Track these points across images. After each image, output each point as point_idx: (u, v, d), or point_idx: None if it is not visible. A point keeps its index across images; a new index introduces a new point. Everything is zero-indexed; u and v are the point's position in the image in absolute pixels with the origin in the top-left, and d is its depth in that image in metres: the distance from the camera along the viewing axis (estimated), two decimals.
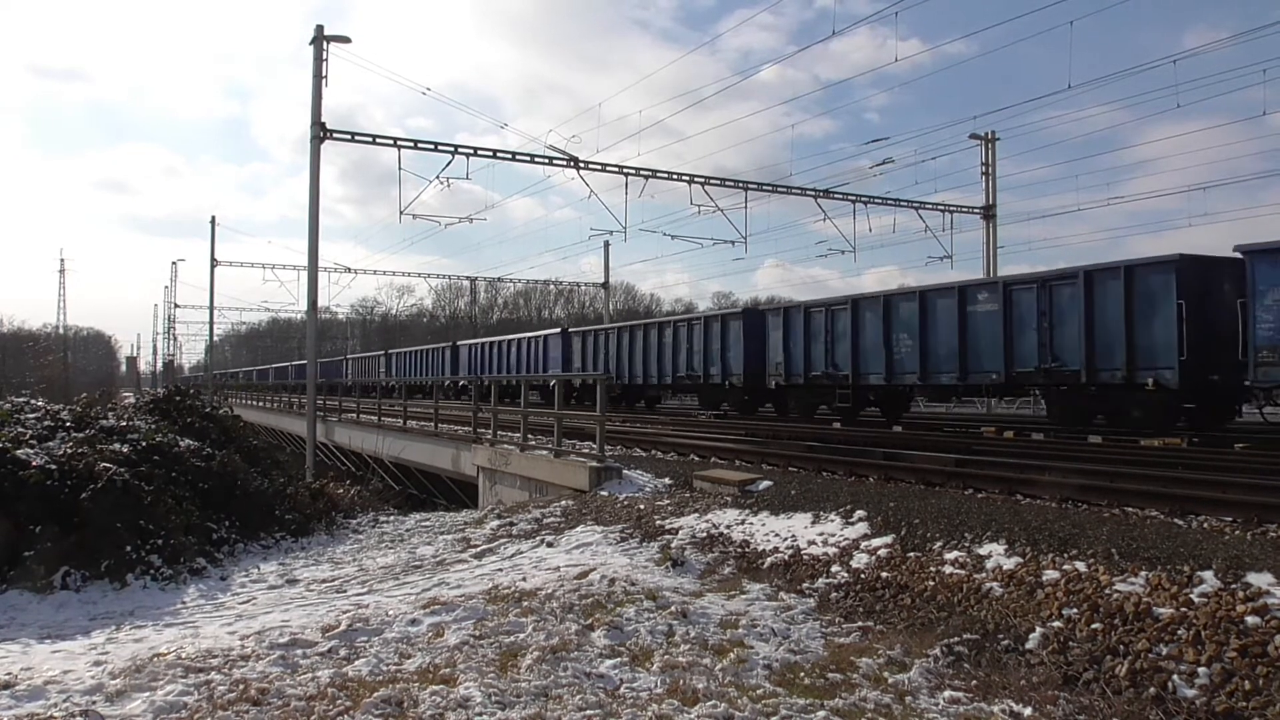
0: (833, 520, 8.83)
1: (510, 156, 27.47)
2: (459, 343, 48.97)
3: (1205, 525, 7.56)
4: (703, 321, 27.30)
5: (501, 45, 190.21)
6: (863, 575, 7.34)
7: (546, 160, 27.46)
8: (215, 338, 73.01)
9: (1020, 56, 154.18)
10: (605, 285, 56.19)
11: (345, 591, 8.74)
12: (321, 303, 28.78)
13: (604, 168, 28.04)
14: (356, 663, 5.64)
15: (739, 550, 8.58)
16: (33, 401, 14.96)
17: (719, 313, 26.50)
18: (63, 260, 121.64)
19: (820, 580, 7.44)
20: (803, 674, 5.35)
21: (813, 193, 31.35)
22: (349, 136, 25.00)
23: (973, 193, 35.84)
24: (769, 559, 8.19)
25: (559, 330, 37.33)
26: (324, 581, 9.51)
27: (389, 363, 57.81)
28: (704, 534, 9.19)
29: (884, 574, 7.25)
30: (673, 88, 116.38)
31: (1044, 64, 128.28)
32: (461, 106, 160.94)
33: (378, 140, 25.79)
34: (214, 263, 52.32)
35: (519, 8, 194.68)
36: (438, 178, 26.42)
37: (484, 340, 45.57)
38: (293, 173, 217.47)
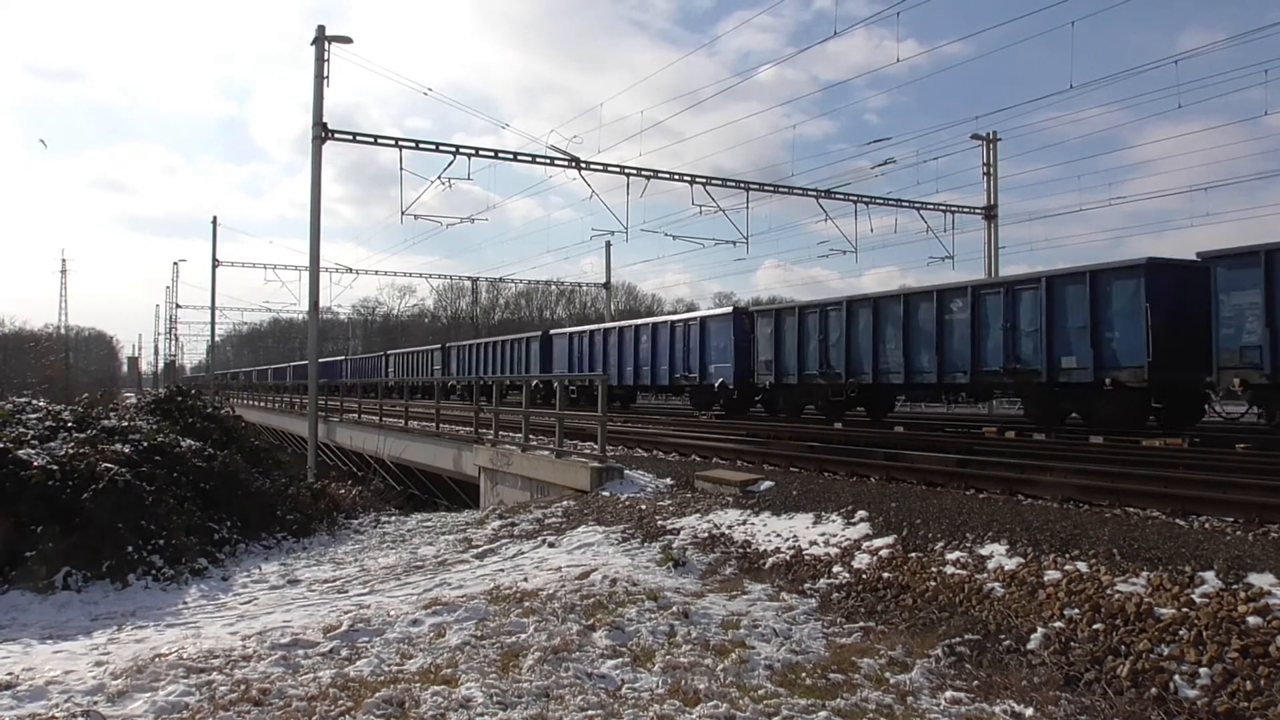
0: (834, 520, 8.83)
1: (512, 157, 27.47)
2: (553, 332, 38.57)
3: (1207, 526, 7.56)
4: (1086, 280, 16.79)
5: (499, 45, 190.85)
6: (864, 575, 7.34)
7: (548, 161, 27.45)
8: (217, 338, 72.93)
9: (1019, 58, 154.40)
10: (607, 285, 56.28)
11: (347, 592, 8.74)
12: (323, 303, 28.78)
13: (605, 168, 28.04)
14: (358, 663, 5.64)
15: (741, 551, 8.58)
16: (34, 402, 14.98)
17: (1129, 264, 16.32)
18: (64, 260, 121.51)
19: (822, 580, 7.44)
20: (804, 674, 5.35)
21: (814, 193, 31.33)
22: (351, 137, 25.00)
23: (972, 194, 35.94)
24: (770, 559, 8.19)
25: (728, 311, 27.33)
26: (325, 582, 9.52)
27: (446, 359, 48.56)
28: (705, 534, 9.19)
29: (885, 574, 7.25)
30: (671, 89, 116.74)
31: (1042, 65, 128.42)
32: (462, 106, 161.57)
33: (379, 140, 25.80)
34: (215, 263, 52.49)
35: (517, 8, 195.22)
36: (439, 178, 26.45)
37: (595, 328, 35.22)
38: (291, 172, 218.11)
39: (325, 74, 23.47)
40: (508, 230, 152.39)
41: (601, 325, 35.52)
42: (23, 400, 15.26)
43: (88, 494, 9.87)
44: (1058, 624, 5.77)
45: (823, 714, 4.71)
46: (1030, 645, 5.62)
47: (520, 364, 38.89)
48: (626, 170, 28.37)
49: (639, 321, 32.35)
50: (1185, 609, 5.49)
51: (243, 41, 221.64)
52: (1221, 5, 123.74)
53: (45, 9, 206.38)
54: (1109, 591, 5.94)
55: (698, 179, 29.62)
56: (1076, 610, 5.84)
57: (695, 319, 28.47)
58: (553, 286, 72.84)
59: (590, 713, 4.72)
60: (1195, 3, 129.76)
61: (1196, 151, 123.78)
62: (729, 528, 9.30)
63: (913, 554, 7.49)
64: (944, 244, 33.85)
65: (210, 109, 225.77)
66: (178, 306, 72.69)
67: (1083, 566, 6.43)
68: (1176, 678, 4.91)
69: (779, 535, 8.78)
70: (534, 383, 30.84)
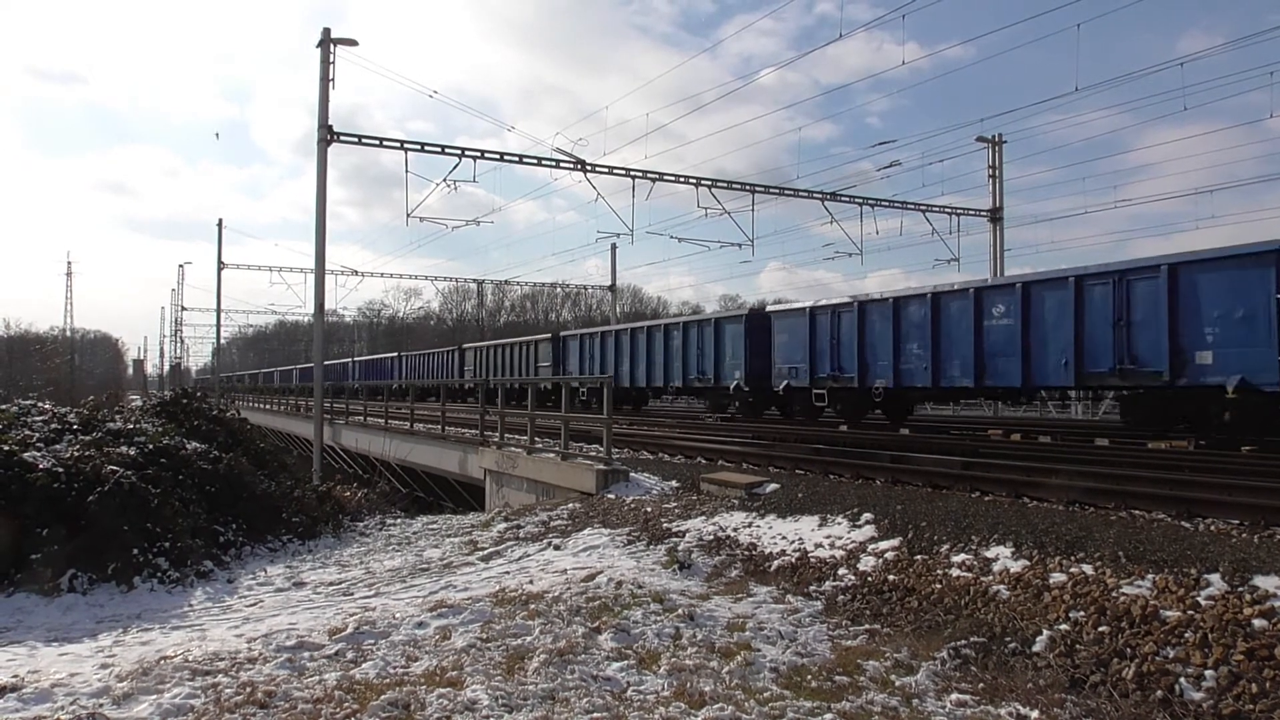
0: (840, 523, 8.82)
1: (517, 159, 27.46)
2: (773, 309, 24.87)
3: (1212, 528, 7.54)
4: None
5: (500, 48, 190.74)
6: (869, 578, 7.33)
7: (554, 164, 27.41)
8: (222, 340, 72.95)
9: (1020, 61, 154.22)
10: (612, 288, 56.29)
11: (352, 594, 8.76)
12: (329, 305, 28.82)
13: (610, 170, 28.03)
14: (363, 665, 5.66)
15: (746, 553, 8.57)
16: (39, 404, 15.00)
17: None
18: (69, 263, 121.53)
19: (827, 583, 7.43)
20: (809, 677, 5.35)
21: (819, 195, 31.31)
22: (356, 139, 25.03)
23: (977, 196, 35.87)
24: (776, 562, 8.18)
25: (1259, 247, 14.02)
26: (331, 584, 9.53)
27: (561, 355, 35.17)
28: (711, 537, 9.18)
29: (891, 577, 7.24)
30: (674, 92, 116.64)
31: (1044, 69, 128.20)
32: (466, 109, 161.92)
33: (385, 143, 25.81)
34: (221, 265, 52.56)
35: (518, 11, 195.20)
36: (444, 180, 26.46)
37: (847, 301, 21.75)
38: (293, 175, 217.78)
39: (330, 76, 23.53)
40: (511, 233, 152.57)
41: (871, 295, 21.43)
42: (28, 403, 15.28)
43: (93, 496, 9.89)
44: (1063, 626, 5.76)
45: (828, 716, 4.71)
46: (1036, 648, 5.61)
47: (704, 358, 26.27)
48: (632, 173, 28.34)
49: (983, 282, 19.31)
50: (1191, 611, 5.48)
51: (243, 44, 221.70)
52: (1221, 8, 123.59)
53: (46, 11, 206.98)
54: (1114, 594, 5.93)
55: (703, 181, 29.60)
56: (1082, 613, 5.84)
57: (1021, 284, 17.15)
58: (558, 289, 72.95)
59: (595, 715, 4.72)
60: (1195, 6, 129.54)
61: (1200, 154, 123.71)
62: (734, 530, 9.30)
63: (918, 556, 7.48)
64: (949, 246, 33.81)
65: (211, 111, 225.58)
66: (183, 309, 72.73)
67: (1088, 569, 6.41)
68: (1182, 680, 4.91)
69: (784, 538, 8.77)
70: (736, 382, 24.39)
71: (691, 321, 27.79)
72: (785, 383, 23.23)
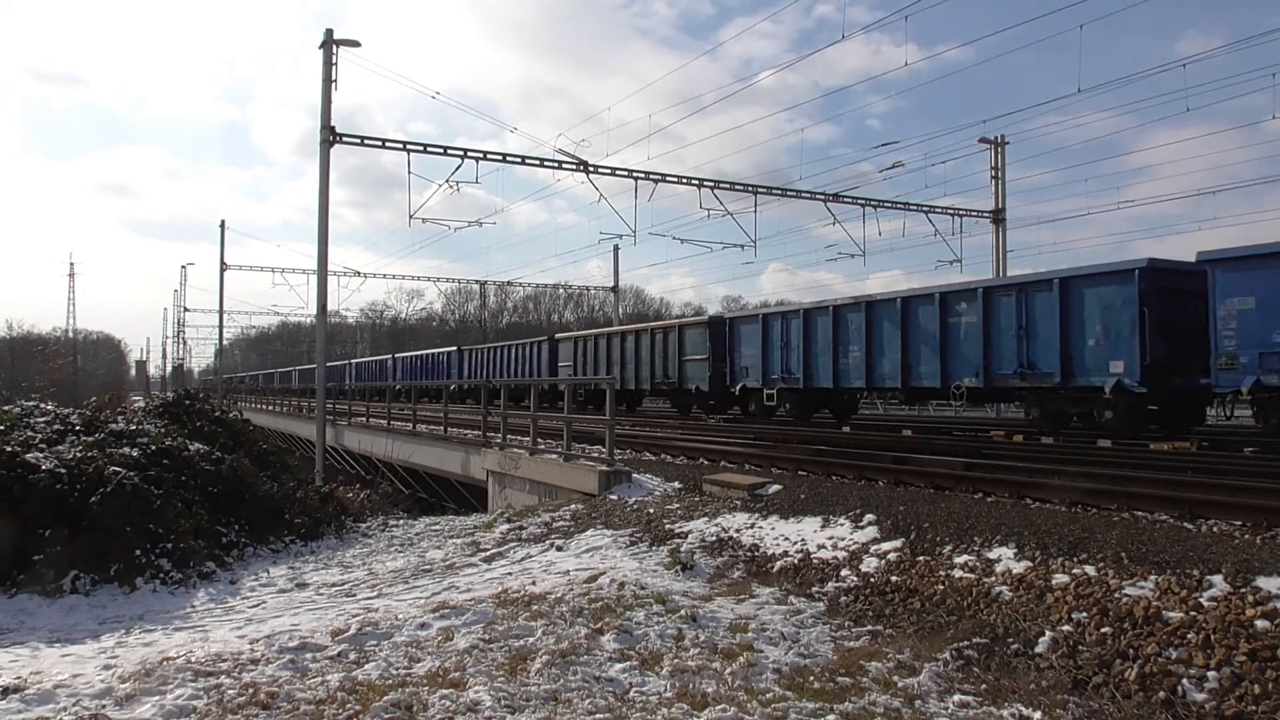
0: (842, 524, 8.81)
1: (520, 160, 27.45)
2: (1211, 253, 14.21)
3: (1215, 529, 7.53)
4: None
5: (501, 50, 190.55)
6: (872, 579, 7.33)
7: (556, 164, 27.38)
8: (224, 341, 72.98)
9: (1019, 64, 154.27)
10: (615, 289, 56.31)
11: (355, 595, 8.76)
12: (331, 306, 28.80)
13: (613, 171, 28.00)
14: (366, 666, 5.66)
15: (748, 554, 8.57)
16: (42, 405, 15.01)
17: None
18: (72, 264, 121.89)
19: (830, 584, 7.43)
20: (812, 678, 5.35)
21: (822, 196, 31.26)
22: (359, 140, 25.06)
23: (977, 198, 35.74)
24: (778, 563, 8.18)
25: None
26: (333, 585, 9.53)
27: (730, 341, 25.76)
28: (713, 538, 9.18)
29: (893, 578, 7.24)
30: (675, 94, 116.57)
31: (1042, 71, 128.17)
32: (469, 109, 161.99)
33: (387, 144, 25.82)
34: (223, 266, 52.55)
35: (518, 13, 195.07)
36: (447, 181, 26.47)
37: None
38: (294, 176, 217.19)
39: (333, 78, 23.55)
40: (513, 234, 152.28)
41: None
42: (31, 404, 15.29)
43: (96, 497, 9.90)
44: (1066, 627, 5.76)
45: (831, 717, 4.71)
46: (1038, 649, 5.61)
47: (1033, 342, 16.91)
48: (635, 174, 28.30)
49: None
50: (1193, 613, 5.48)
51: (244, 46, 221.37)
52: (1220, 10, 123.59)
53: (46, 11, 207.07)
54: (1117, 595, 5.92)
55: (705, 182, 29.57)
56: (1084, 614, 5.83)
57: None
58: (560, 290, 73.00)
59: (598, 716, 4.72)
60: (1194, 7, 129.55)
61: (1201, 156, 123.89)
62: (737, 531, 9.30)
63: (920, 557, 7.48)
64: (951, 248, 33.77)
65: (212, 113, 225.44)
66: (185, 310, 72.75)
67: (1090, 570, 6.41)
68: (1184, 681, 4.90)
69: (787, 539, 8.77)
70: (1115, 379, 15.17)
71: (1003, 286, 17.91)
72: (1252, 379, 13.79)
